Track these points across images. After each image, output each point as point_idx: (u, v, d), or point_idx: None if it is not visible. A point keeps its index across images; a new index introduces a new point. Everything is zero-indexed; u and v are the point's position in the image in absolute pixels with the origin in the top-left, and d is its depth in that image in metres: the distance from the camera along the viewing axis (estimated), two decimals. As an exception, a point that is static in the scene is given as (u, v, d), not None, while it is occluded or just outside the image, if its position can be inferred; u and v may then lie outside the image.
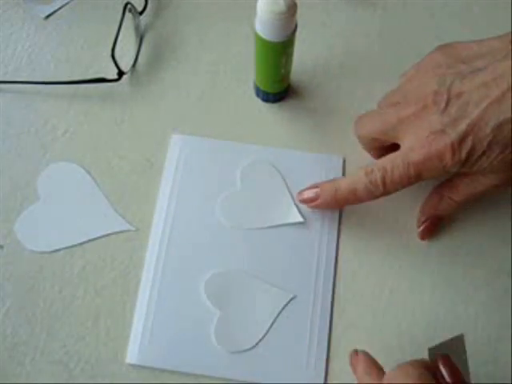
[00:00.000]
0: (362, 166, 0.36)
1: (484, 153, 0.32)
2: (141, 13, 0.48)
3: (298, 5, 0.36)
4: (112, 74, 0.45)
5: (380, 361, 0.33)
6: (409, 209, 0.42)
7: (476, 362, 0.37)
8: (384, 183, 0.35)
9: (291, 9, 0.35)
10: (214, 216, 0.41)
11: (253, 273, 0.40)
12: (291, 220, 0.41)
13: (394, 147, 0.36)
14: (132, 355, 0.38)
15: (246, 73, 0.46)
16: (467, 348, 0.31)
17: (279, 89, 0.44)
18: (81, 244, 0.41)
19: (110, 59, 0.44)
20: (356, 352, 0.34)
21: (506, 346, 0.38)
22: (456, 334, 0.32)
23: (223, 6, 0.50)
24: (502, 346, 0.38)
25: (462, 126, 0.32)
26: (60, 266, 0.40)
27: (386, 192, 0.36)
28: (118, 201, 0.42)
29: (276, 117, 0.45)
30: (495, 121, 0.31)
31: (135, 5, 0.47)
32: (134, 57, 0.47)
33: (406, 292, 0.40)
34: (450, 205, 0.39)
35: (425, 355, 0.32)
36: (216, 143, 0.44)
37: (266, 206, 0.42)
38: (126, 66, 0.46)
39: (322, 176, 0.42)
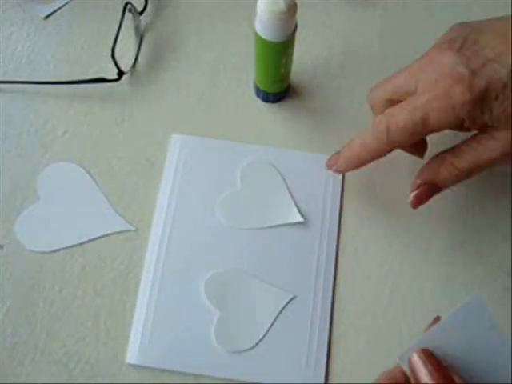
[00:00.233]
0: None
1: (497, 97, 0.30)
2: (141, 13, 0.48)
3: (298, 5, 0.36)
4: (112, 74, 0.45)
5: (380, 361, 0.33)
6: (409, 209, 0.42)
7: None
8: (388, 129, 0.33)
9: (291, 9, 0.35)
10: (214, 216, 0.41)
11: (253, 273, 0.40)
12: (291, 220, 0.41)
13: None
14: (132, 355, 0.38)
15: (246, 73, 0.46)
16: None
17: (279, 89, 0.44)
18: (81, 244, 0.41)
19: (110, 59, 0.44)
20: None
21: (506, 346, 0.38)
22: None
23: (223, 6, 0.50)
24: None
25: (477, 62, 0.30)
26: (60, 266, 0.40)
27: (392, 140, 0.33)
28: (118, 201, 0.42)
29: (276, 117, 0.45)
30: None
31: (135, 5, 0.47)
32: (134, 57, 0.47)
33: (406, 292, 0.40)
34: (450, 172, 0.34)
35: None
36: (216, 143, 0.44)
37: (266, 205, 0.42)
38: (126, 66, 0.46)
39: (321, 176, 0.42)
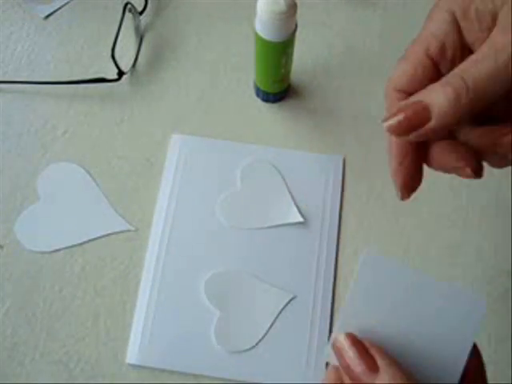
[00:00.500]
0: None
1: None
2: (141, 13, 0.48)
3: (298, 5, 0.36)
4: (112, 74, 0.45)
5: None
6: (409, 209, 0.42)
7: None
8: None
9: (291, 9, 0.35)
10: (214, 216, 0.41)
11: (253, 273, 0.40)
12: (291, 220, 0.41)
13: None
14: (132, 355, 0.38)
15: (246, 73, 0.46)
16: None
17: (279, 89, 0.44)
18: (81, 244, 0.41)
19: (110, 59, 0.44)
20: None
21: (505, 346, 0.38)
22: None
23: (223, 6, 0.50)
24: (502, 347, 0.38)
25: None
26: (60, 266, 0.40)
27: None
28: (118, 201, 0.42)
29: (276, 117, 0.45)
30: None
31: (135, 5, 0.47)
32: (134, 57, 0.47)
33: (406, 292, 0.40)
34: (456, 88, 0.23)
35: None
36: (216, 143, 0.44)
37: (266, 205, 0.42)
38: (126, 66, 0.46)
39: (321, 176, 0.43)
